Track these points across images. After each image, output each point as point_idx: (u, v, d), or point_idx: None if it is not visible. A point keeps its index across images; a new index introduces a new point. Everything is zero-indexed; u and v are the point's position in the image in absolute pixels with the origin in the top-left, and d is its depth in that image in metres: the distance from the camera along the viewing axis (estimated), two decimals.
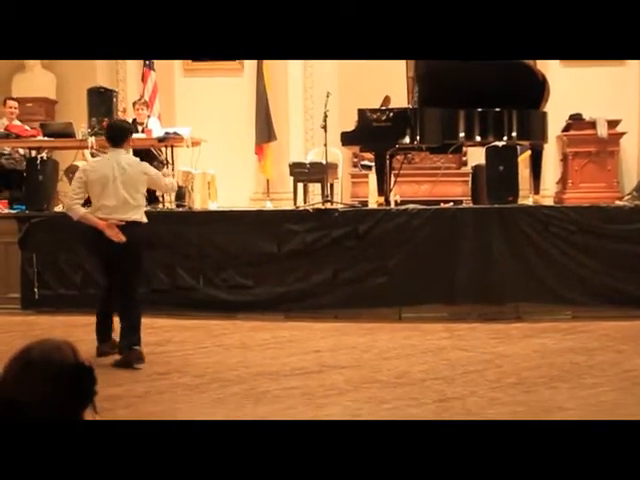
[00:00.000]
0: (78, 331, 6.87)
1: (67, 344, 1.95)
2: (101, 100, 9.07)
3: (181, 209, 8.54)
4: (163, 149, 8.99)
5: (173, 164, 9.03)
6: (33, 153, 8.95)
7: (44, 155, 8.78)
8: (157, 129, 9.14)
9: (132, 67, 11.70)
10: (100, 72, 11.28)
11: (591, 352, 5.93)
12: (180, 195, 8.79)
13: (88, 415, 1.93)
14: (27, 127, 9.48)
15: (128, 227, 5.75)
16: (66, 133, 9.02)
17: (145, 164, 6.14)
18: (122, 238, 5.67)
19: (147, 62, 11.31)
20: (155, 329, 7.09)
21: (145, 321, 7.43)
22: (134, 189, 5.84)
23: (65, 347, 1.94)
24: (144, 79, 11.37)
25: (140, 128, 9.30)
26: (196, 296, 7.85)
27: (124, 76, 11.76)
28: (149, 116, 9.72)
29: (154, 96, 11.30)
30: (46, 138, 9.03)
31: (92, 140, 8.66)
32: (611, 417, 4.23)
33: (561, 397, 4.69)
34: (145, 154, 9.22)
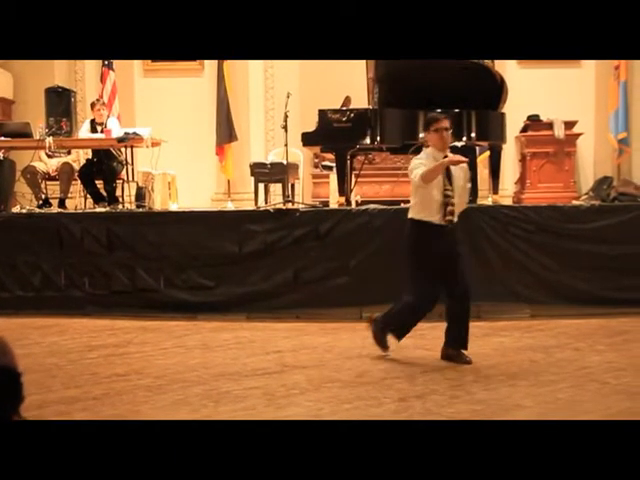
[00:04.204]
0: (35, 333, 6.79)
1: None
2: (59, 100, 8.97)
3: (141, 210, 8.48)
4: (123, 149, 8.92)
5: (133, 165, 8.97)
6: None
7: (1, 155, 8.67)
8: (116, 129, 9.07)
9: (91, 67, 11.60)
10: (58, 72, 11.17)
11: (549, 350, 6.01)
12: (140, 196, 8.74)
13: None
14: None
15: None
16: (23, 133, 8.90)
17: (412, 161, 5.81)
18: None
19: (106, 62, 11.22)
20: (115, 330, 7.04)
21: (105, 322, 7.41)
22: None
23: None
24: (103, 79, 11.27)
25: (99, 128, 9.22)
26: (157, 297, 7.81)
27: (83, 76, 11.67)
28: (108, 116, 9.64)
29: (113, 96, 11.21)
30: (3, 138, 8.90)
31: (50, 140, 8.57)
32: (568, 414, 4.29)
33: (519, 395, 4.74)
34: (104, 154, 9.15)
